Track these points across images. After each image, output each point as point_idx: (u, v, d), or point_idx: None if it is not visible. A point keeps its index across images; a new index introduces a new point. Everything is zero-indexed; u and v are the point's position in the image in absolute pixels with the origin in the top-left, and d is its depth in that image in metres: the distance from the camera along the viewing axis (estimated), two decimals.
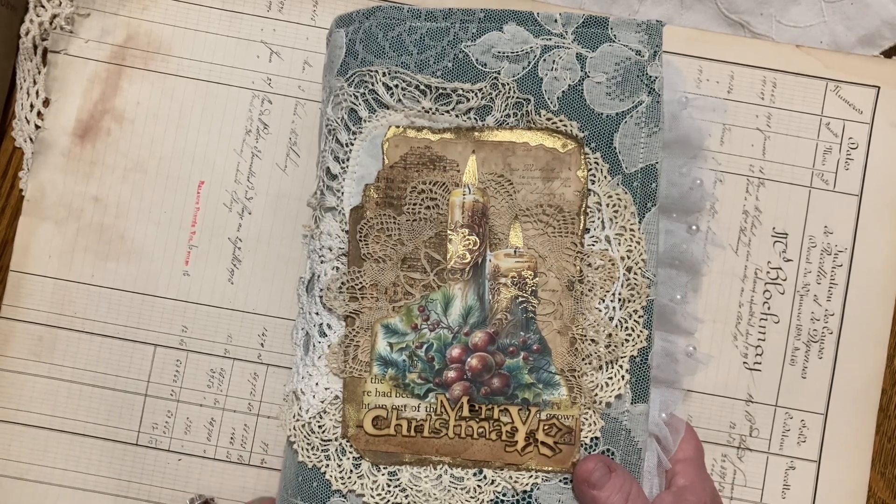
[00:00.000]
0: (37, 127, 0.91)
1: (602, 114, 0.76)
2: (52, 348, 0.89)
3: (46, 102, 0.91)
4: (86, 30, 0.91)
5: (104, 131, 0.90)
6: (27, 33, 0.90)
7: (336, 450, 0.75)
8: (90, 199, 0.90)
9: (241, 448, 0.89)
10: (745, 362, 0.89)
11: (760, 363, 0.89)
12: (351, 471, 0.74)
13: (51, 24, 0.90)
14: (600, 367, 0.74)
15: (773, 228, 0.90)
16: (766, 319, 0.89)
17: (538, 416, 0.74)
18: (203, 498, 0.81)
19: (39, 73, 0.91)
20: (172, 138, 0.91)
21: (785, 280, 0.89)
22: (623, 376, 0.74)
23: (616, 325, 0.74)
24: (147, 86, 0.91)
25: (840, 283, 0.89)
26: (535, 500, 0.73)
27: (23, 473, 0.88)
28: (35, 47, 0.91)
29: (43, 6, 0.90)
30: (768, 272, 0.89)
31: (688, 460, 0.78)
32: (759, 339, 0.89)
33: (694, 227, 0.81)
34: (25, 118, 0.91)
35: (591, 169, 0.75)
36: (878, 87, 0.90)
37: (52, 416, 0.89)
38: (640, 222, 0.75)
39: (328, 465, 0.74)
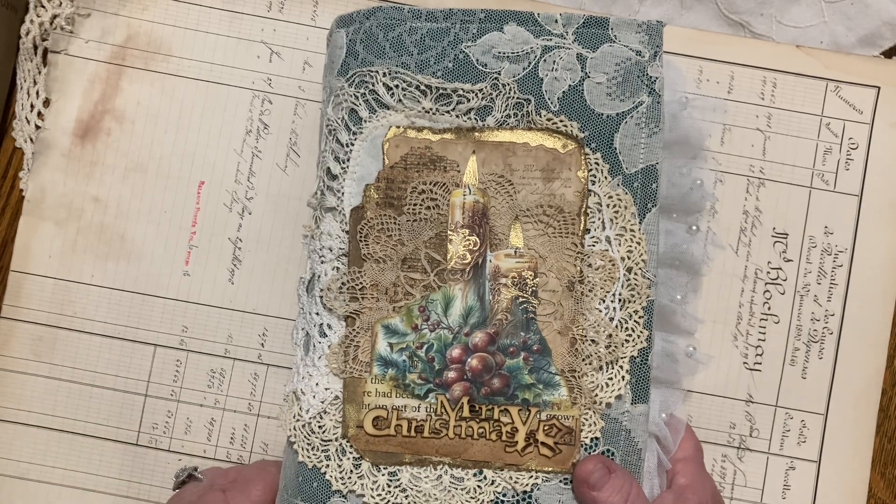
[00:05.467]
0: (37, 127, 0.91)
1: (602, 114, 0.76)
2: (52, 348, 0.89)
3: (47, 102, 0.91)
4: (86, 30, 0.91)
5: (104, 131, 0.90)
6: (27, 33, 0.90)
7: (336, 450, 0.75)
8: (90, 200, 0.90)
9: (241, 448, 0.89)
10: (745, 362, 0.89)
11: (760, 363, 0.89)
12: (351, 471, 0.74)
13: (51, 24, 0.90)
14: (600, 368, 0.74)
15: (774, 228, 0.90)
16: (766, 319, 0.89)
17: (538, 416, 0.74)
18: (188, 471, 0.81)
19: (40, 73, 0.91)
20: (172, 138, 0.91)
21: (785, 280, 0.89)
22: (623, 377, 0.74)
23: (616, 326, 0.74)
24: (147, 86, 0.91)
25: (840, 284, 0.89)
26: (536, 500, 0.73)
27: (23, 473, 0.89)
28: (35, 47, 0.91)
29: (43, 6, 0.90)
30: (768, 272, 0.89)
31: (688, 459, 0.78)
32: (759, 340, 0.89)
33: (694, 228, 0.81)
34: (26, 118, 0.91)
35: (591, 169, 0.75)
36: (878, 88, 0.90)
37: (53, 416, 0.89)
38: (640, 223, 0.75)
39: (328, 466, 0.74)
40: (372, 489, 0.74)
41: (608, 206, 0.75)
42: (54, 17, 0.90)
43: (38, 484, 0.89)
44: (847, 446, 0.88)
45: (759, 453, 0.89)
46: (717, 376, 0.89)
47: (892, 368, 0.89)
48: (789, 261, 0.90)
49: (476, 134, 0.76)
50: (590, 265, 0.75)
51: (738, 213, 0.90)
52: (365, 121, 0.77)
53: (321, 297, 0.76)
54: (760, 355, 0.89)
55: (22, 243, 0.90)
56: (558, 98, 0.76)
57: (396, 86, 0.76)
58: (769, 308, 0.89)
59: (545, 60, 0.76)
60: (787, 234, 0.90)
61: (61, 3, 0.90)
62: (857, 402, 0.89)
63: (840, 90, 0.90)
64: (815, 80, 0.90)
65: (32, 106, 0.91)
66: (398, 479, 0.74)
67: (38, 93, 0.91)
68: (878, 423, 0.89)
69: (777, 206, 0.90)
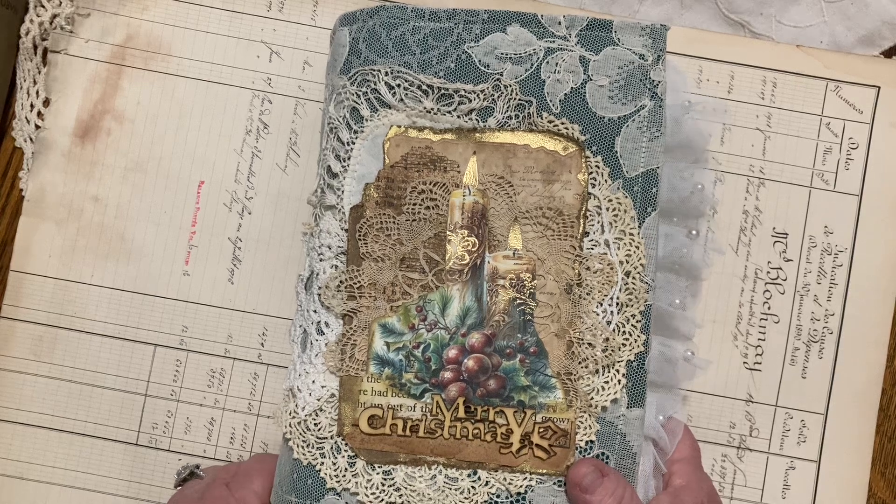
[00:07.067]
0: (37, 127, 0.91)
1: (604, 117, 0.76)
2: (52, 348, 0.89)
3: (46, 102, 0.91)
4: (86, 30, 0.91)
5: (104, 131, 0.91)
6: (27, 33, 0.90)
7: (331, 448, 0.75)
8: (90, 199, 0.90)
9: (241, 448, 0.89)
10: (745, 362, 0.89)
11: (760, 363, 0.89)
12: (346, 469, 0.74)
13: (51, 24, 0.90)
14: (597, 371, 0.74)
15: (774, 228, 0.90)
16: (766, 319, 0.89)
17: (533, 418, 0.74)
18: (189, 468, 0.81)
19: (39, 73, 0.91)
20: (172, 138, 0.91)
21: (785, 280, 0.90)
22: (619, 380, 0.74)
23: (613, 330, 0.74)
24: (147, 86, 0.91)
25: (840, 283, 0.89)
26: (529, 502, 0.73)
27: (23, 473, 0.89)
28: (35, 47, 0.91)
29: (43, 6, 0.90)
30: (768, 272, 0.89)
31: (684, 460, 0.79)
32: (759, 339, 0.89)
33: (694, 232, 0.81)
34: (25, 118, 0.91)
35: (591, 172, 0.75)
36: (878, 88, 0.90)
37: (53, 416, 0.89)
38: (639, 227, 0.75)
39: (323, 463, 0.75)
40: (366, 487, 0.74)
41: (608, 209, 0.75)
42: (54, 16, 0.90)
43: (38, 484, 0.89)
44: (847, 446, 0.89)
45: (758, 453, 0.89)
46: (717, 376, 0.89)
47: (892, 368, 0.89)
48: (789, 261, 0.90)
49: (477, 135, 0.76)
50: (588, 268, 0.75)
51: (738, 213, 0.90)
52: (366, 119, 0.77)
53: (319, 294, 0.76)
54: (760, 355, 0.89)
55: (22, 243, 0.90)
56: (560, 100, 0.76)
57: (398, 85, 0.76)
58: (769, 308, 0.89)
59: (548, 62, 0.76)
60: (787, 234, 0.90)
61: (61, 3, 0.90)
62: (857, 402, 0.89)
63: (840, 90, 0.90)
64: (815, 79, 0.90)
65: (32, 106, 0.91)
66: (392, 478, 0.74)
67: (38, 93, 0.91)
68: (878, 422, 0.89)
69: (777, 206, 0.90)
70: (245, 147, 0.91)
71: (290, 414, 0.76)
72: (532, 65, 0.76)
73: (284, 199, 0.91)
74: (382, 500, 0.74)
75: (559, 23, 0.77)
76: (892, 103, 0.90)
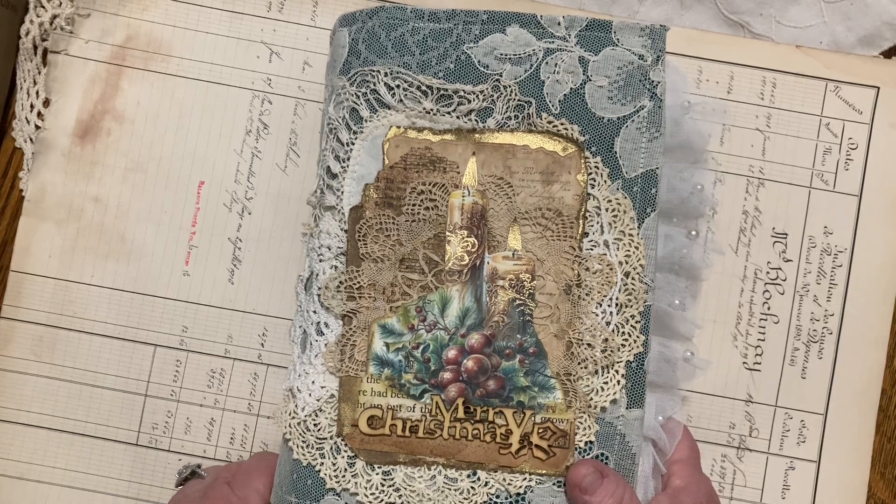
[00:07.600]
0: (37, 127, 0.91)
1: (603, 118, 0.76)
2: (52, 348, 0.89)
3: (46, 103, 0.91)
4: (86, 30, 0.91)
5: (104, 131, 0.91)
6: (27, 33, 0.90)
7: (331, 448, 0.75)
8: (90, 200, 0.90)
9: (241, 448, 0.89)
10: (744, 362, 0.89)
11: (760, 363, 0.89)
12: (345, 469, 0.74)
13: (51, 24, 0.90)
14: (596, 372, 0.74)
15: (773, 228, 0.90)
16: (765, 319, 0.89)
17: (533, 419, 0.74)
18: (191, 468, 0.81)
19: (39, 73, 0.91)
20: (172, 138, 0.91)
21: (785, 280, 0.89)
22: (619, 381, 0.74)
23: (613, 330, 0.74)
24: (147, 86, 0.91)
25: (840, 283, 0.89)
26: (529, 502, 0.73)
27: (23, 473, 0.89)
28: (35, 47, 0.91)
29: (43, 6, 0.90)
30: (768, 272, 0.89)
31: (683, 461, 0.79)
32: (758, 340, 0.89)
33: (693, 233, 0.81)
34: (25, 118, 0.91)
35: (591, 173, 0.75)
36: (878, 88, 0.90)
37: (53, 416, 0.89)
38: (639, 227, 0.75)
39: (323, 464, 0.75)
40: (366, 488, 0.74)
41: (607, 210, 0.75)
42: (54, 17, 0.90)
43: (38, 484, 0.89)
44: (847, 446, 0.88)
45: (758, 453, 0.89)
46: (717, 376, 0.89)
47: (892, 368, 0.89)
48: (789, 261, 0.90)
49: (476, 135, 0.76)
50: (587, 269, 0.75)
51: (737, 213, 0.90)
52: (366, 120, 0.77)
53: (319, 295, 0.77)
54: (760, 355, 0.89)
55: (22, 243, 0.90)
56: (559, 101, 0.76)
57: (398, 86, 0.76)
58: (769, 308, 0.89)
59: (547, 63, 0.76)
60: (786, 234, 0.90)
61: (61, 3, 0.90)
62: (857, 402, 0.89)
63: (840, 90, 0.90)
64: (814, 80, 0.90)
65: (32, 106, 0.91)
66: (392, 479, 0.74)
67: (38, 93, 0.91)
68: (878, 422, 0.89)
69: (777, 206, 0.90)
70: (245, 147, 0.91)
71: (289, 414, 0.76)
72: (531, 65, 0.76)
73: (284, 199, 0.90)
74: (382, 500, 0.74)
75: (558, 23, 0.77)
76: (891, 103, 0.90)
